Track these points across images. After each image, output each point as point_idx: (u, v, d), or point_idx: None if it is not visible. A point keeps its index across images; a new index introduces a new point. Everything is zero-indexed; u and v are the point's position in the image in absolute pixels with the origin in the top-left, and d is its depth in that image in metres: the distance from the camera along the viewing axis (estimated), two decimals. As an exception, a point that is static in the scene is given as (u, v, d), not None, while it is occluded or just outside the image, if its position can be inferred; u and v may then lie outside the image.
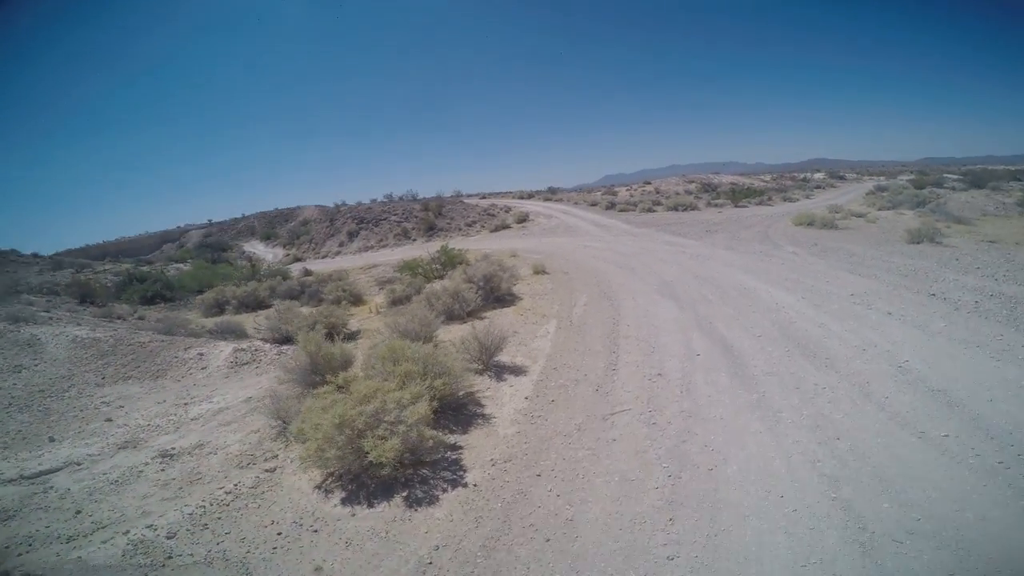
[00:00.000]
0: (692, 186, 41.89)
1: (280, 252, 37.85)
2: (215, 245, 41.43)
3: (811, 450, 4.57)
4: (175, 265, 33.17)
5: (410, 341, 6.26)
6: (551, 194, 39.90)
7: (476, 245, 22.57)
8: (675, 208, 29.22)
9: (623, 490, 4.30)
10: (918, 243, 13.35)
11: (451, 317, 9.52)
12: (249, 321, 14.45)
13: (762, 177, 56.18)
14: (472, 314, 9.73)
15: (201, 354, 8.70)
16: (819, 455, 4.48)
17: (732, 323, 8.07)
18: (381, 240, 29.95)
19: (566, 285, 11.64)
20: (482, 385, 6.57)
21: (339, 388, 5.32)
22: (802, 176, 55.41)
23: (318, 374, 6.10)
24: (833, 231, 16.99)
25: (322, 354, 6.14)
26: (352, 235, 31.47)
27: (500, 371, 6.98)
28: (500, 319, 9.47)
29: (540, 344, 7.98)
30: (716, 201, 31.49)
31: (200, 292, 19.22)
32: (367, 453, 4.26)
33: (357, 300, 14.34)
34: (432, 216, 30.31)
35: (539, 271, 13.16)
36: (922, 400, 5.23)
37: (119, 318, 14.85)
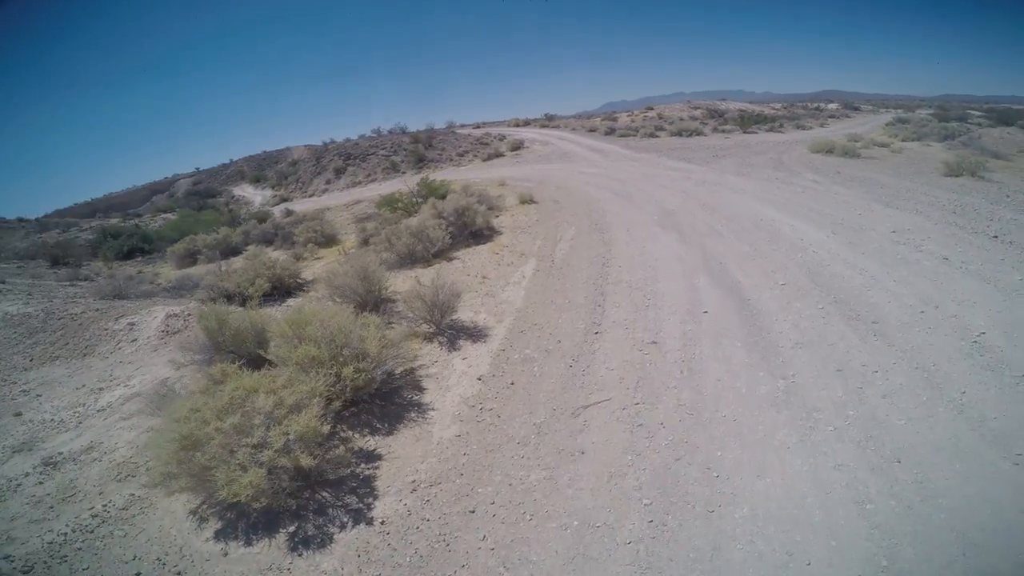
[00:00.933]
0: (698, 112, 38.40)
1: (269, 194, 35.89)
2: (204, 192, 39.38)
3: (860, 482, 3.15)
4: (163, 215, 31.45)
5: (346, 302, 4.82)
6: (548, 121, 36.81)
7: (465, 175, 20.59)
8: (679, 134, 26.55)
9: (581, 545, 2.99)
10: (957, 176, 11.35)
11: (415, 260, 8.03)
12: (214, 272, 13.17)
13: (772, 106, 51.80)
14: (440, 255, 8.23)
15: (132, 324, 7.36)
16: (871, 491, 3.07)
17: (748, 264, 6.54)
18: (369, 175, 27.90)
19: (553, 216, 10.00)
20: (429, 357, 5.22)
21: (255, 368, 3.95)
22: (815, 105, 51.05)
23: (224, 353, 4.73)
24: (856, 160, 14.83)
25: (229, 328, 4.71)
26: (339, 172, 29.36)
27: (455, 335, 5.59)
28: (471, 259, 8.00)
29: (511, 295, 6.55)
30: (723, 127, 28.65)
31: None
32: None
33: (329, 241, 12.83)
34: (422, 148, 28.02)
35: (526, 200, 11.44)
36: (1015, 401, 3.66)
37: (85, 279, 13.55)
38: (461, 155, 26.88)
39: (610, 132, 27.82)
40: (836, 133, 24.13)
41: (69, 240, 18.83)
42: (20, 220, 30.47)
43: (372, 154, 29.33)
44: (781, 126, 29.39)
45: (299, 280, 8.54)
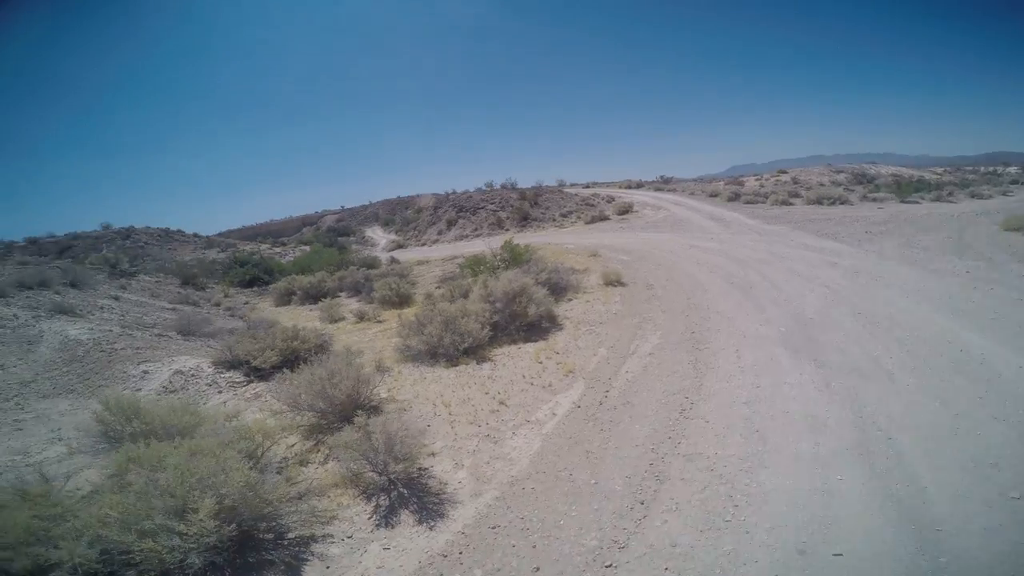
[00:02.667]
0: (841, 176, 33.01)
1: (393, 237, 38.05)
2: (341, 230, 43.25)
3: None
4: (302, 247, 34.72)
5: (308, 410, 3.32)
6: (664, 183, 34.31)
7: (562, 239, 19.10)
8: (818, 201, 22.36)
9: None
10: None
11: (437, 355, 6.43)
12: (302, 314, 13.01)
13: (932, 170, 43.27)
14: (473, 352, 6.49)
15: (146, 372, 6.78)
16: None
17: (951, 454, 3.71)
18: (476, 229, 27.90)
19: (639, 309, 7.78)
20: (346, 523, 3.45)
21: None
22: (990, 169, 41.56)
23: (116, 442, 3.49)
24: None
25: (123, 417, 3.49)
26: (451, 223, 29.90)
27: (405, 498, 3.74)
28: (504, 366, 6.15)
29: (519, 445, 4.44)
30: (874, 194, 23.65)
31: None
32: None
33: (404, 301, 11.95)
34: (527, 205, 27.38)
35: (612, 281, 9.34)
36: None
37: (193, 303, 14.43)
38: (565, 215, 25.65)
39: (734, 198, 24.54)
40: (1036, 208, 18.31)
41: (200, 262, 20.80)
42: (195, 235, 35.71)
43: (482, 208, 29.48)
44: (950, 194, 23.44)
45: (322, 349, 7.37)
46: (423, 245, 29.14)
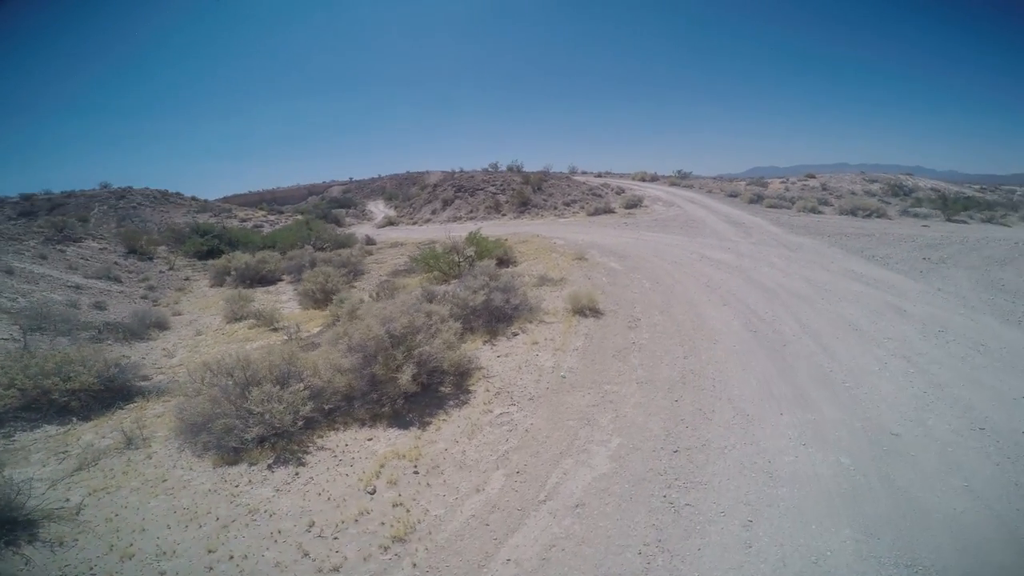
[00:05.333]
0: (875, 186, 28.88)
1: (391, 213, 35.23)
2: (343, 201, 40.53)
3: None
4: (298, 217, 32.02)
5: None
6: (680, 178, 30.64)
7: (556, 231, 16.06)
8: (852, 212, 18.78)
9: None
10: None
11: (219, 438, 3.64)
12: (213, 303, 10.27)
13: (972, 187, 38.51)
14: (283, 440, 3.70)
15: None
16: None
17: None
18: (471, 211, 24.91)
19: (606, 368, 4.90)
20: None
21: None
22: None
23: None
24: None
25: None
26: (447, 203, 26.92)
27: None
28: (303, 492, 3.42)
29: None
30: (915, 209, 19.92)
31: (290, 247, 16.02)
32: None
33: (327, 298, 9.19)
34: (529, 190, 24.24)
35: (584, 308, 6.37)
36: None
37: (113, 278, 11.85)
38: (568, 204, 22.47)
39: (756, 200, 21.04)
40: None
41: (142, 230, 18.26)
42: (193, 198, 33.22)
43: (482, 189, 26.42)
44: (1003, 216, 19.61)
45: (110, 385, 4.63)
46: (414, 224, 26.33)
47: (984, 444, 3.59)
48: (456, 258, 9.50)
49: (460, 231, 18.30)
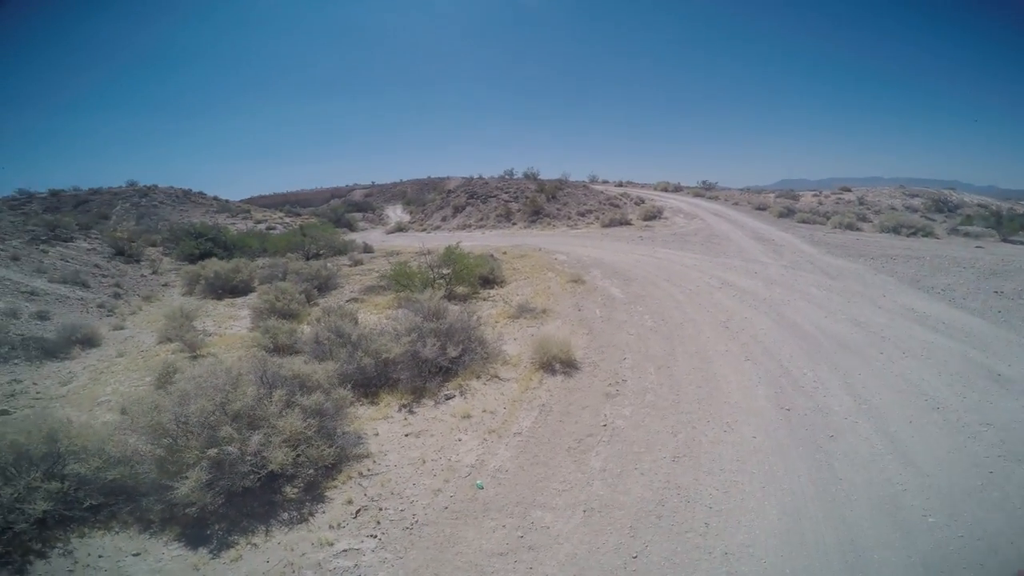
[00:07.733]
0: (916, 201, 25.88)
1: (407, 218, 34.24)
2: (362, 205, 39.81)
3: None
4: (312, 220, 31.29)
5: None
6: (705, 189, 28.42)
7: (563, 244, 14.44)
8: (894, 230, 16.38)
9: None
10: None
11: None
12: (155, 319, 9.00)
13: (1020, 202, 34.58)
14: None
15: None
16: None
17: None
18: (482, 219, 23.52)
19: (559, 457, 3.29)
20: None
21: None
22: None
23: None
24: None
25: None
26: (458, 210, 25.63)
27: None
28: None
29: None
30: (965, 227, 17.26)
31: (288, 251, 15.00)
32: None
33: (290, 316, 7.83)
34: (543, 199, 22.68)
35: (554, 361, 4.67)
36: None
37: (80, 283, 10.90)
38: (582, 215, 20.77)
39: (787, 214, 18.78)
40: None
41: (144, 229, 17.51)
42: (215, 198, 32.93)
43: (494, 196, 25.01)
44: None
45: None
46: (423, 231, 25.09)
47: (978, 409, 1.85)
48: (435, 276, 8.06)
49: (469, 240, 16.90)
